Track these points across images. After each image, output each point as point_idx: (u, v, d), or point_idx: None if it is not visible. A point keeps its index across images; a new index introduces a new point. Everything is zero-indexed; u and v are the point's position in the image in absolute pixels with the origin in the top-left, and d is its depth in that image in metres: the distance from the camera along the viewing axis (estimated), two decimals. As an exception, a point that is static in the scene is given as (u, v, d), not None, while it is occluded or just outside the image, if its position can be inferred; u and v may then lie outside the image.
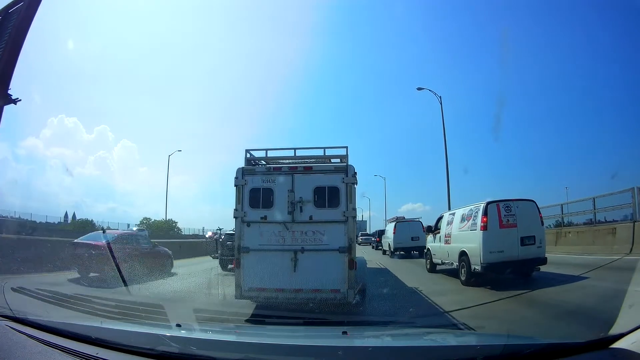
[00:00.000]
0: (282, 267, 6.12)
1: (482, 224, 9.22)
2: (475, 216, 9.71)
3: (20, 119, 59.48)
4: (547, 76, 56.93)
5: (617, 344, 1.87)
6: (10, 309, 2.88)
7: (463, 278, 9.68)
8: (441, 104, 24.86)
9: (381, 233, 29.08)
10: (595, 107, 54.90)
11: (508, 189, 64.70)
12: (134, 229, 22.67)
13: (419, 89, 25.69)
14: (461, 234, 10.39)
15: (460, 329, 5.11)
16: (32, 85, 55.74)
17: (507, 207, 9.39)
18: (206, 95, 78.92)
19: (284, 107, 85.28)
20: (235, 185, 6.43)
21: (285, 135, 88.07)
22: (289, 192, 6.28)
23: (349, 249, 6.12)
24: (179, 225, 47.02)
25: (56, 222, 40.41)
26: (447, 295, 8.20)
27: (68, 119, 66.47)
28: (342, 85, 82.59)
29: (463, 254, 9.82)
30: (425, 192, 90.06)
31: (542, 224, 9.86)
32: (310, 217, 6.24)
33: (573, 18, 50.37)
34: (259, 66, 77.59)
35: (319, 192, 6.31)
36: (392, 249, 21.36)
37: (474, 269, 9.21)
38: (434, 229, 12.70)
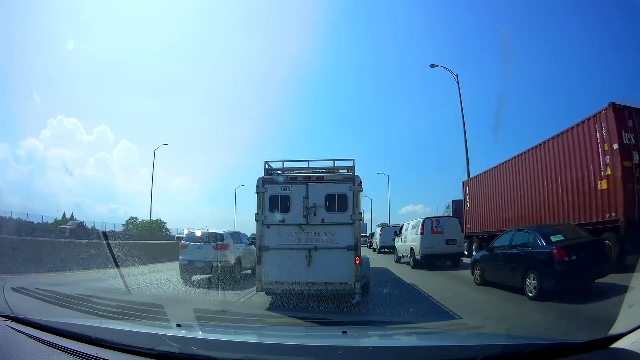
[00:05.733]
0: (297, 263, 6.84)
1: (420, 231, 14.71)
2: (417, 226, 15.14)
3: (19, 120, 59.59)
4: (547, 76, 56.88)
5: (617, 344, 1.88)
6: (10, 309, 2.87)
7: (411, 264, 15.28)
8: (458, 83, 23.57)
9: (372, 235, 35.53)
10: (595, 107, 54.82)
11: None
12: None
13: (432, 65, 24.27)
14: (411, 236, 15.80)
15: (458, 322, 5.35)
16: (32, 85, 55.84)
17: (437, 221, 15.14)
18: (206, 96, 78.75)
19: (285, 106, 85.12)
20: (257, 193, 7.17)
21: (285, 136, 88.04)
22: (304, 199, 7.04)
23: (355, 248, 6.87)
24: (169, 225, 45.70)
25: (51, 223, 40.23)
26: (402, 272, 13.49)
27: (67, 120, 66.31)
28: (343, 86, 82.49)
29: (412, 249, 15.40)
30: (426, 194, 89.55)
31: (462, 231, 15.68)
32: (322, 220, 6.99)
33: (573, 18, 50.35)
34: (259, 66, 77.60)
35: (329, 198, 7.10)
36: (378, 247, 27.70)
37: (417, 258, 14.79)
38: (399, 233, 18.33)
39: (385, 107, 79.60)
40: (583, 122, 10.36)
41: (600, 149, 9.66)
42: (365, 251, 24.69)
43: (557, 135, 11.56)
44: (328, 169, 7.90)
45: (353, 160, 7.57)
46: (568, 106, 56.20)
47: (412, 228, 15.84)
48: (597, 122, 9.76)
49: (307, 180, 7.22)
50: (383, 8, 63.06)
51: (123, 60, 66.36)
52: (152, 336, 2.40)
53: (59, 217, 43.42)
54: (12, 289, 4.01)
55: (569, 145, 10.92)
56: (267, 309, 6.77)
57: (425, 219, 15.19)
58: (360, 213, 7.13)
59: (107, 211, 65.76)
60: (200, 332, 2.74)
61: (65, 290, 6.28)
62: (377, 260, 18.88)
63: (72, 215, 44.92)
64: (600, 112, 9.66)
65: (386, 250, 25.54)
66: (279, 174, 7.64)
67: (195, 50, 71.30)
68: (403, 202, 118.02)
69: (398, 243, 18.02)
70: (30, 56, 56.00)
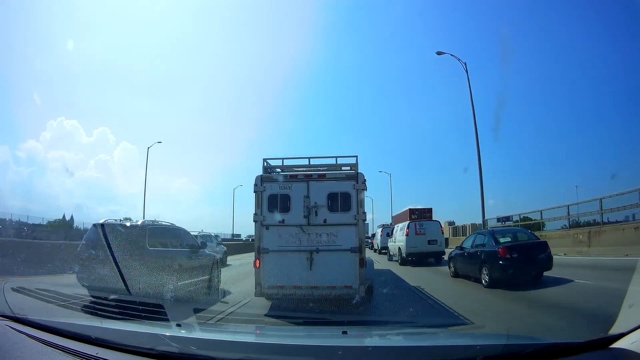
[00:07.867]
0: (299, 266, 6.53)
1: (406, 232, 17.28)
2: (404, 228, 17.77)
3: (19, 122, 59.60)
4: (547, 77, 56.99)
5: (617, 344, 1.87)
6: (11, 309, 2.87)
7: (399, 261, 17.59)
8: (467, 71, 23.63)
9: (373, 236, 37.14)
10: (595, 107, 54.97)
11: (505, 187, 64.33)
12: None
13: (439, 53, 23.97)
14: (399, 237, 18.30)
15: (460, 324, 5.41)
16: (32, 87, 55.83)
17: (420, 224, 17.85)
18: (207, 97, 78.91)
19: (285, 106, 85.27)
20: (255, 192, 6.82)
21: (285, 136, 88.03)
22: (305, 198, 6.70)
23: (359, 249, 6.55)
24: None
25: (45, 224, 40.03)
26: (394, 267, 15.99)
27: (67, 122, 66.28)
28: (343, 86, 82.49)
29: (399, 248, 17.88)
30: (427, 194, 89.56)
31: (443, 233, 18.59)
32: (325, 221, 6.66)
33: (573, 18, 50.43)
34: (259, 66, 77.62)
35: (332, 197, 6.76)
36: (379, 248, 28.70)
37: (403, 256, 17.22)
38: (390, 234, 21.54)
39: (385, 106, 79.77)
40: (405, 210, 29.22)
41: (408, 218, 23.87)
42: (367, 252, 24.87)
43: (403, 211, 30.18)
44: (330, 167, 7.54)
45: (356, 157, 7.24)
46: (568, 106, 56.35)
47: (400, 230, 18.44)
48: (407, 213, 27.32)
49: (308, 178, 6.88)
50: (383, 8, 63.15)
51: (123, 61, 66.57)
52: (152, 336, 2.40)
53: (59, 218, 43.44)
54: (12, 289, 4.01)
55: (403, 217, 27.71)
56: (267, 309, 6.74)
57: (410, 222, 18.32)
58: (364, 213, 6.73)
59: (108, 212, 65.86)
60: (200, 332, 2.74)
61: (66, 290, 6.27)
62: (377, 261, 19.93)
63: (72, 217, 44.94)
64: (407, 209, 28.41)
65: (386, 250, 26.17)
66: (279, 172, 7.32)
67: (195, 51, 71.49)
68: (404, 203, 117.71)
69: (390, 243, 20.86)
70: (30, 57, 56.05)
